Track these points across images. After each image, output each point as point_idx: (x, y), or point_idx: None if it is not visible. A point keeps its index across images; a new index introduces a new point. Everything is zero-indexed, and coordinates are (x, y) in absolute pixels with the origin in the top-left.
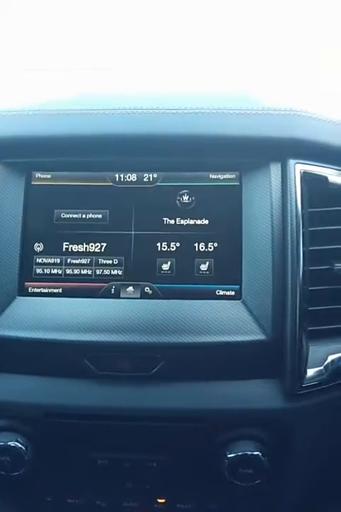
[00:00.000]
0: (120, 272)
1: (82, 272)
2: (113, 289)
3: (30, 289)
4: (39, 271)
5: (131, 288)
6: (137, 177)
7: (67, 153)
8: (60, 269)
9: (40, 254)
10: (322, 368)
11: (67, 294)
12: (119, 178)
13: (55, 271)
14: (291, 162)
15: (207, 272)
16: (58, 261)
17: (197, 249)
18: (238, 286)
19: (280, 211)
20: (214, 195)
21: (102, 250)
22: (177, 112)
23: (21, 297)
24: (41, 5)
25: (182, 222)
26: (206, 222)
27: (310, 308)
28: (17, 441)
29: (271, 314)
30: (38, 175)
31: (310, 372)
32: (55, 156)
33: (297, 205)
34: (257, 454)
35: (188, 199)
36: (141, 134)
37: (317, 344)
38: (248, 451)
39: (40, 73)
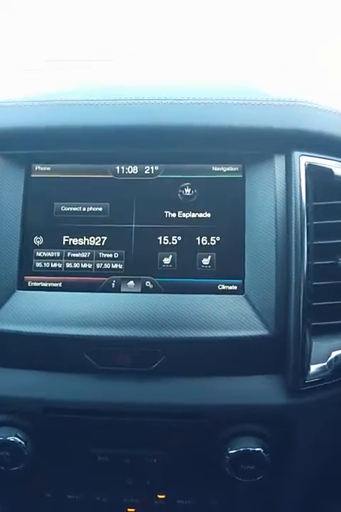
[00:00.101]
0: (120, 266)
1: (82, 265)
2: (113, 283)
3: (29, 282)
4: (39, 265)
5: (131, 282)
6: (138, 169)
7: (67, 145)
8: (60, 262)
9: (40, 247)
10: (325, 364)
11: (67, 288)
12: (120, 170)
13: (55, 265)
14: (296, 154)
15: (209, 266)
16: (58, 254)
17: (199, 242)
18: (240, 281)
19: (284, 204)
20: (217, 187)
21: (103, 244)
22: (180, 103)
23: (21, 291)
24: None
25: (184, 215)
26: (208, 215)
27: (313, 304)
28: (16, 436)
29: (274, 309)
30: (38, 167)
31: (314, 368)
32: (55, 148)
33: (301, 198)
34: (259, 450)
35: (190, 192)
36: (143, 125)
37: (320, 340)
38: (249, 447)
39: (40, 73)
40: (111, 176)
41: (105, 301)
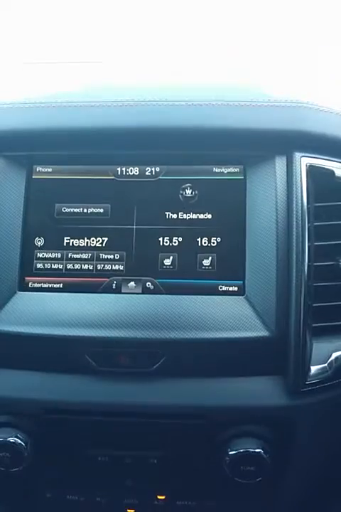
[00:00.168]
0: (121, 267)
1: (83, 266)
2: (114, 284)
3: (30, 283)
4: (40, 266)
5: (132, 283)
6: (139, 170)
7: (69, 146)
8: (61, 263)
9: (41, 248)
10: (326, 365)
11: (67, 289)
12: (121, 171)
13: (56, 266)
14: (297, 155)
15: (210, 267)
16: (59, 256)
17: (199, 244)
18: (241, 282)
19: (285, 206)
20: (218, 189)
21: (103, 245)
22: (181, 104)
23: (22, 292)
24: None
25: (185, 216)
26: (209, 216)
27: (314, 305)
28: (16, 437)
29: (274, 310)
30: (39, 168)
31: (314, 369)
32: (56, 149)
33: (302, 199)
34: (259, 452)
35: (191, 193)
36: (144, 126)
37: (321, 341)
38: (250, 449)
39: (41, 66)
40: (112, 177)
41: (106, 302)
